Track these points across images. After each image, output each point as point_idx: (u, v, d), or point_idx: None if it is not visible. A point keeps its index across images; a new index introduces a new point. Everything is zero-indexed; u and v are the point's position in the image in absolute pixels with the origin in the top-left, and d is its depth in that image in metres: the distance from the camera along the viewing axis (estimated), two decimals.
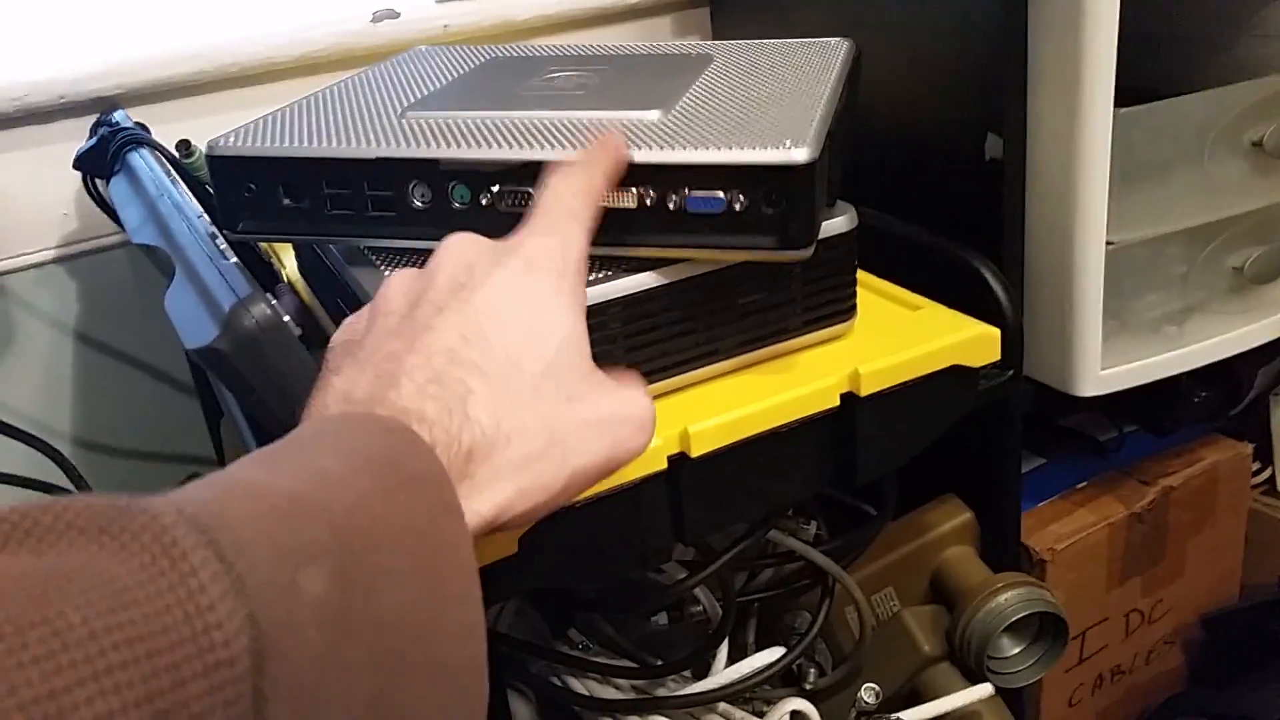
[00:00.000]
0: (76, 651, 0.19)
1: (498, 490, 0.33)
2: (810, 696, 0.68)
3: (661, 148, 0.46)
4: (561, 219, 0.39)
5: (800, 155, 0.44)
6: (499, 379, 0.33)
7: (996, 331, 0.56)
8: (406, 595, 0.27)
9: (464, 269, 0.36)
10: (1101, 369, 0.73)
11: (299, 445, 0.29)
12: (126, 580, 0.21)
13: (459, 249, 0.38)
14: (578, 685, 0.66)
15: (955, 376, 0.55)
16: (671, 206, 0.46)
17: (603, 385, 0.37)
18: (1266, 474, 1.04)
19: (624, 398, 0.37)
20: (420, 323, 0.34)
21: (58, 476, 0.81)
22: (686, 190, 0.46)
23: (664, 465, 0.49)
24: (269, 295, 0.42)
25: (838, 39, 0.64)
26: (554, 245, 0.38)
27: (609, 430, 0.36)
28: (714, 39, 1.05)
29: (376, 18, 0.92)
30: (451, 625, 0.28)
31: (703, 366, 0.52)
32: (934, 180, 0.74)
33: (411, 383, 0.32)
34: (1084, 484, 0.91)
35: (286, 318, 0.42)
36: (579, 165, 0.42)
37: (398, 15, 0.93)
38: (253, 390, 0.41)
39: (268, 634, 0.22)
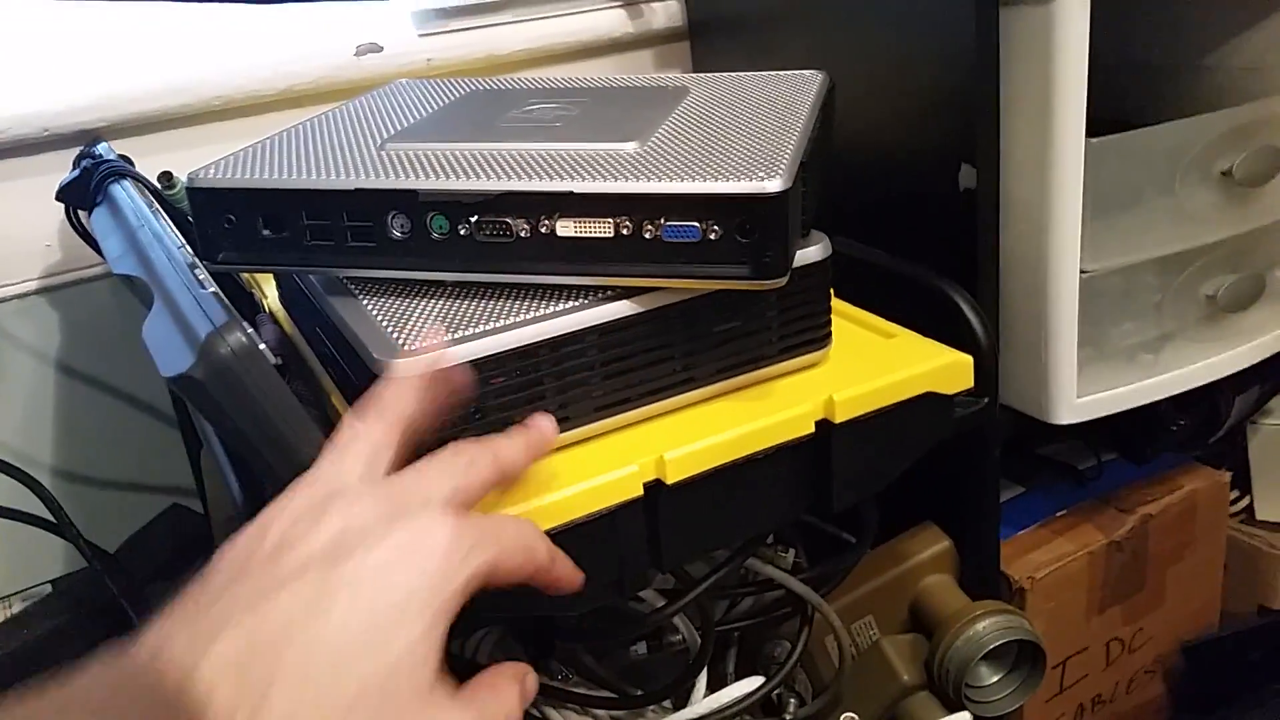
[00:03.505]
0: None
1: None
2: None
3: (637, 178, 0.47)
4: (456, 500, 0.40)
5: (773, 185, 0.45)
6: (313, 686, 0.32)
7: (969, 359, 0.57)
8: None
9: (356, 533, 0.36)
10: (1077, 397, 0.74)
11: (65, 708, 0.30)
12: None
13: (359, 511, 0.37)
14: (557, 716, 0.66)
15: (929, 404, 0.55)
16: (647, 236, 0.47)
17: (436, 706, 0.35)
18: (1244, 502, 1.05)
19: None
20: (275, 578, 0.34)
21: (37, 507, 0.81)
22: (662, 220, 0.46)
23: (640, 492, 0.49)
24: (245, 324, 0.42)
25: (811, 71, 0.65)
26: (444, 536, 0.36)
27: None
28: (694, 72, 1.06)
29: (360, 51, 0.93)
30: None
31: (679, 394, 0.52)
32: (909, 210, 0.75)
33: (221, 655, 0.31)
34: (1063, 512, 0.91)
35: (262, 346, 0.42)
36: (468, 458, 0.42)
37: (381, 49, 0.93)
38: (229, 419, 0.41)
39: None
